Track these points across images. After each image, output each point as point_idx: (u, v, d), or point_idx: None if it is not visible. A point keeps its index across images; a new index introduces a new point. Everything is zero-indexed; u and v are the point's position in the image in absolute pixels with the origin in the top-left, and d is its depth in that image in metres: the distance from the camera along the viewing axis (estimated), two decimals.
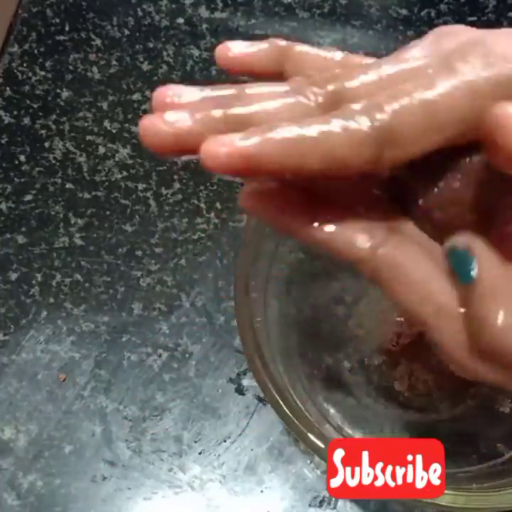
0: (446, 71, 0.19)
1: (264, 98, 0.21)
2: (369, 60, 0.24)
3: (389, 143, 0.19)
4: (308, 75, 0.22)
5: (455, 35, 0.21)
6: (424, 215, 0.22)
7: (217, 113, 0.20)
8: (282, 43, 0.24)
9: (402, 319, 0.41)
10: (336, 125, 0.19)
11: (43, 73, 0.52)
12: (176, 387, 0.43)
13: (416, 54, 0.21)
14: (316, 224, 0.21)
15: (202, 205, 0.48)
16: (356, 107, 0.19)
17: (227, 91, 0.21)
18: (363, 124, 0.19)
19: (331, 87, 0.20)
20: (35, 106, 0.51)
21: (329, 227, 0.21)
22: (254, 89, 0.21)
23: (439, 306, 0.20)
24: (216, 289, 0.45)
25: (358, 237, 0.21)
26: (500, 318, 0.19)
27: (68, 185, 0.49)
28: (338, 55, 0.24)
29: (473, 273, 0.20)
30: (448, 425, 0.39)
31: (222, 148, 0.19)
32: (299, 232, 0.21)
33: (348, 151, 0.19)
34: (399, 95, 0.19)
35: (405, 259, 0.21)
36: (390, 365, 0.41)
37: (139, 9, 0.54)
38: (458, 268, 0.21)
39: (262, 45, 0.24)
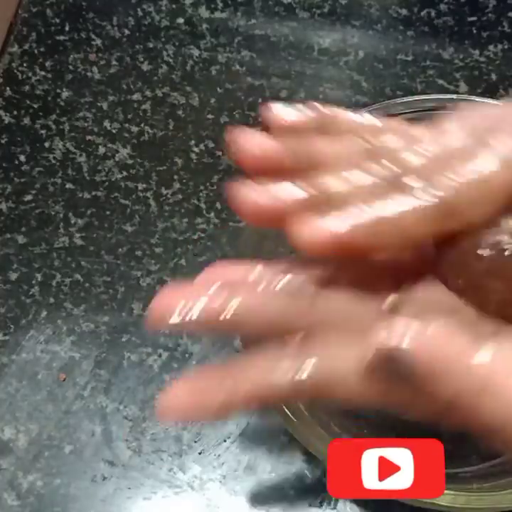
0: (485, 149, 0.22)
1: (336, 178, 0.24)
2: (402, 127, 0.26)
3: (450, 216, 0.22)
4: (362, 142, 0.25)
5: (480, 115, 0.24)
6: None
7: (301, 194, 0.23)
8: (325, 110, 0.26)
9: None
10: (409, 205, 0.22)
11: (43, 73, 0.52)
12: None
13: (453, 137, 0.24)
14: None
15: (202, 205, 0.48)
16: (422, 186, 0.22)
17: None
18: (431, 201, 0.22)
19: (394, 168, 0.23)
20: (35, 106, 0.51)
21: (246, 386, 0.23)
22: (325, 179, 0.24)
23: None
24: None
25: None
26: None
27: (68, 185, 0.49)
28: (370, 119, 0.26)
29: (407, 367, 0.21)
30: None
31: (316, 231, 0.22)
32: None
33: (420, 227, 0.22)
34: (455, 173, 0.22)
35: (333, 364, 0.23)
36: None
37: (139, 9, 0.54)
38: (391, 372, 0.21)
39: (306, 111, 0.26)
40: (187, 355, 0.44)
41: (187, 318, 0.23)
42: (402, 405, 0.23)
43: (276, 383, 0.23)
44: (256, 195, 0.24)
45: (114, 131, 0.50)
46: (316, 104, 0.26)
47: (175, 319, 0.23)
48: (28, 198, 0.48)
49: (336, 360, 0.22)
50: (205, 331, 0.24)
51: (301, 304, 0.24)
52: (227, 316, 0.23)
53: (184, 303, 0.23)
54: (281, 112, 0.26)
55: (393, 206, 0.22)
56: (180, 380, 0.24)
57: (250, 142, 0.24)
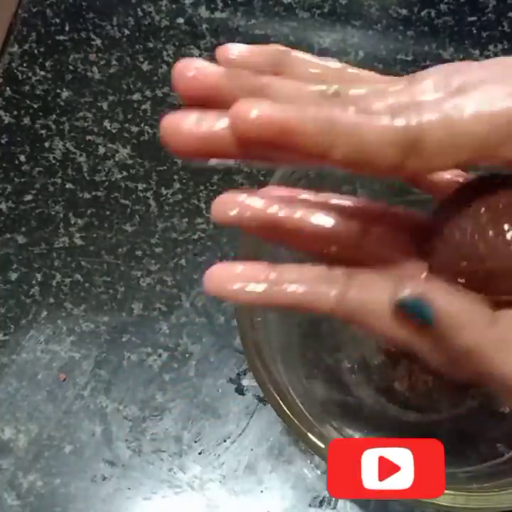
0: (463, 97, 0.20)
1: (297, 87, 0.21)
2: (366, 73, 0.24)
3: (414, 151, 0.20)
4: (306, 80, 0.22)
5: (463, 73, 0.21)
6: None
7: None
8: (281, 47, 0.24)
9: None
10: (371, 118, 0.19)
11: (43, 73, 0.52)
12: (176, 387, 0.43)
13: (428, 85, 0.21)
14: (281, 287, 0.23)
15: (202, 205, 0.48)
16: (390, 108, 0.20)
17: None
18: (396, 123, 0.19)
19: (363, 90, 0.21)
20: (35, 106, 0.51)
21: (291, 287, 0.23)
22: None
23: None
24: None
25: (320, 289, 0.23)
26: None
27: (68, 185, 0.49)
28: (335, 64, 0.24)
29: (431, 315, 0.21)
30: (448, 425, 0.39)
31: (255, 110, 0.19)
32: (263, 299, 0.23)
33: (376, 147, 0.19)
34: (424, 110, 0.20)
35: (371, 296, 0.22)
36: (390, 365, 0.41)
37: (139, 9, 0.54)
38: (417, 315, 0.21)
39: (260, 47, 0.24)
40: (187, 355, 0.44)
41: (245, 215, 0.23)
42: (422, 350, 0.23)
43: (320, 299, 0.23)
44: (191, 124, 0.21)
45: (114, 131, 0.50)
46: (275, 44, 0.24)
47: (234, 213, 0.23)
48: (28, 198, 0.48)
49: (374, 290, 0.22)
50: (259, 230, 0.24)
51: (349, 237, 0.24)
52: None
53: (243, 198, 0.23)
54: (233, 48, 0.23)
55: (351, 114, 0.19)
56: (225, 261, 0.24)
57: (191, 65, 0.21)
